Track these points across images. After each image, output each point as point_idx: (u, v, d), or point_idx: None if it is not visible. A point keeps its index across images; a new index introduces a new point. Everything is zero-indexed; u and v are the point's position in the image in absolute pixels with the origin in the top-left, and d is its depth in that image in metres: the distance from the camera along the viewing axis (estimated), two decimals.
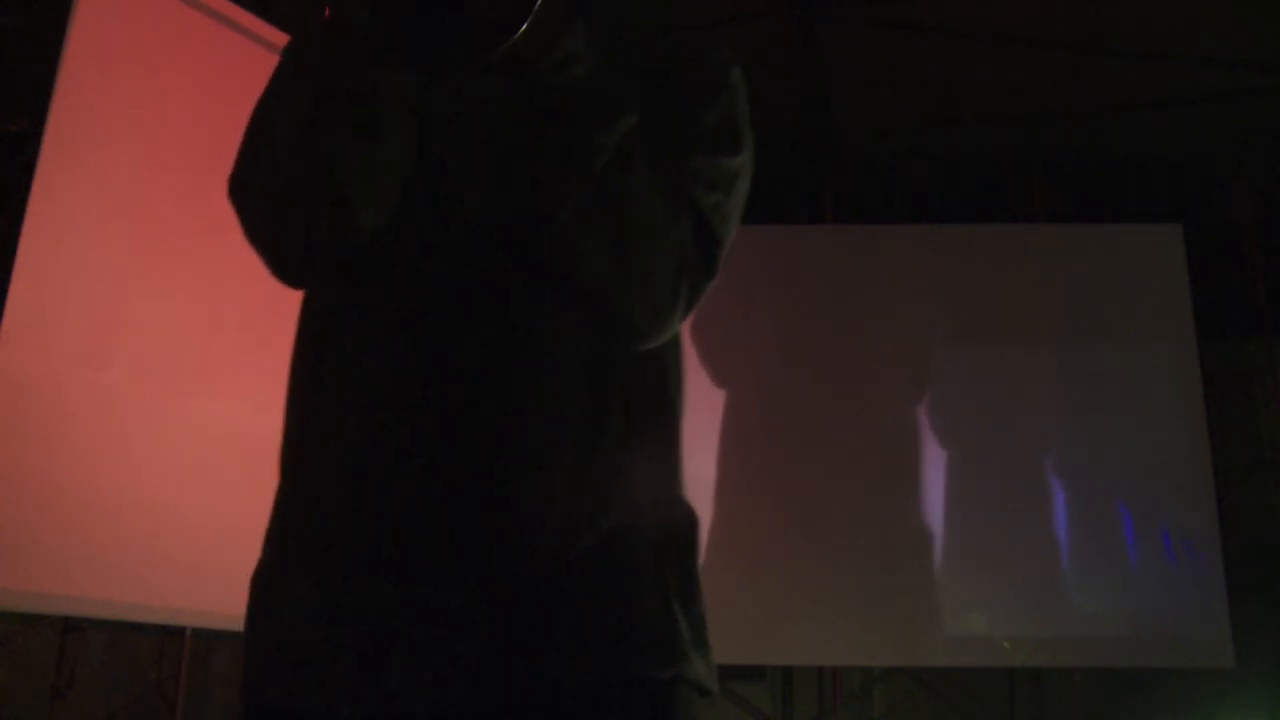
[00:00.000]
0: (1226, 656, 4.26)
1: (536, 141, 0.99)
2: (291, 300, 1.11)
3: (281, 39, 1.57)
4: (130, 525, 2.95)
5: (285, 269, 1.06)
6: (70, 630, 3.90)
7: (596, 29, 1.07)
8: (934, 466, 4.61)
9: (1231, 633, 4.27)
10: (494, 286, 1.01)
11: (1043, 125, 5.05)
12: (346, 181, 0.99)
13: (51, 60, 2.89)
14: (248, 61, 3.25)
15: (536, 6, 0.91)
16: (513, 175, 1.01)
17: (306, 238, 1.01)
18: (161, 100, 3.13)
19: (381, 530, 0.98)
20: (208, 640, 4.12)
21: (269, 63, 1.10)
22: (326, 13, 1.10)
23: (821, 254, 4.90)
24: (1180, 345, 4.62)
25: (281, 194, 1.01)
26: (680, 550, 1.06)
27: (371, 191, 1.00)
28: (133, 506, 2.96)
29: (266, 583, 1.05)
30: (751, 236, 4.96)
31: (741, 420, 4.65)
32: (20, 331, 2.80)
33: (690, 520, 1.09)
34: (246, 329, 3.18)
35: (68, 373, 2.90)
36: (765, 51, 4.61)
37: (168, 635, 3.83)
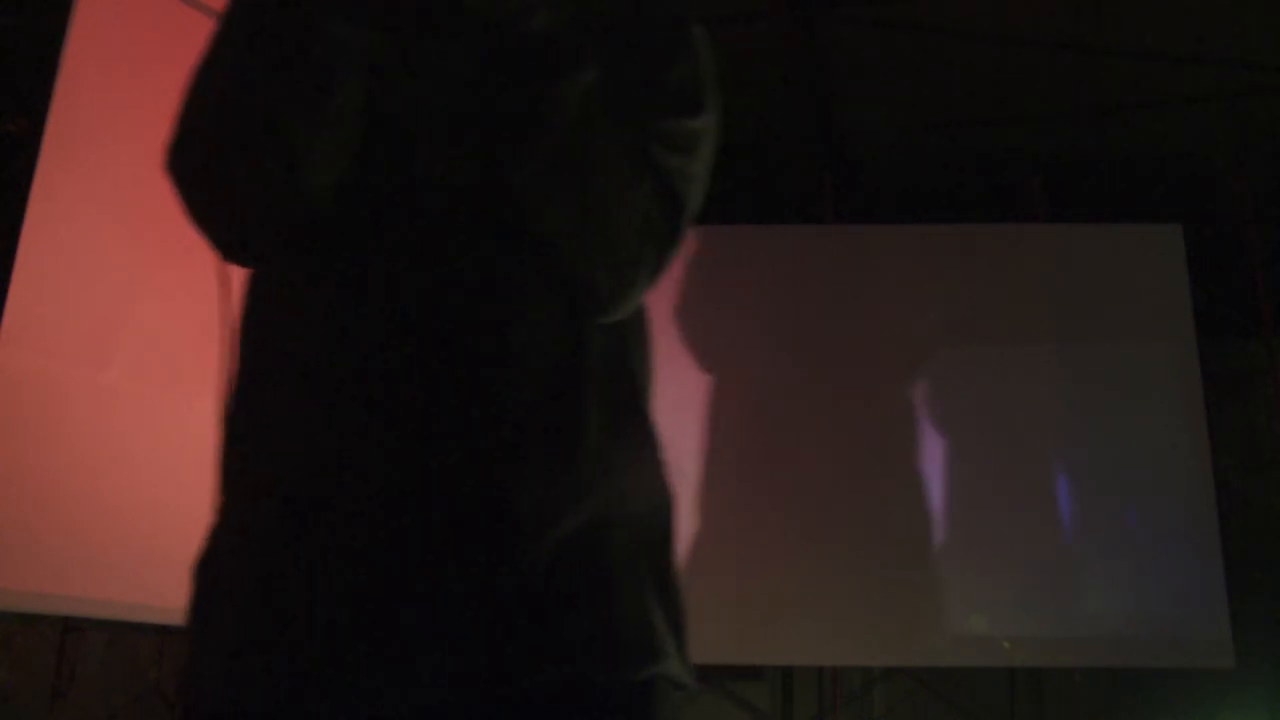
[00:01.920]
0: (1226, 656, 4.25)
1: (493, 96, 0.94)
2: None
3: None
4: (130, 525, 2.95)
5: (229, 243, 0.99)
6: (70, 630, 3.90)
7: None
8: (934, 467, 4.60)
9: (1231, 633, 4.26)
10: (455, 256, 0.95)
11: (1043, 125, 5.05)
12: (293, 142, 0.92)
13: (51, 60, 2.89)
14: None
15: None
16: (468, 133, 0.96)
17: (251, 207, 0.95)
18: (162, 100, 3.12)
19: (341, 522, 0.91)
20: None
21: None
22: None
23: (821, 254, 4.89)
24: (1180, 345, 4.62)
25: (224, 158, 0.94)
26: (658, 542, 1.02)
27: (320, 153, 0.93)
28: (133, 506, 2.95)
29: (215, 573, 0.97)
30: (752, 236, 4.99)
31: (741, 420, 4.65)
32: (20, 331, 2.79)
33: (667, 508, 1.05)
34: None
35: (68, 373, 2.90)
36: (765, 51, 4.61)
37: (168, 635, 3.84)
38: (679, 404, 4.66)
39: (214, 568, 0.98)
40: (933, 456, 4.62)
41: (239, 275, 1.05)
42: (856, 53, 4.68)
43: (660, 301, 4.79)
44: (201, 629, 0.96)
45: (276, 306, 0.99)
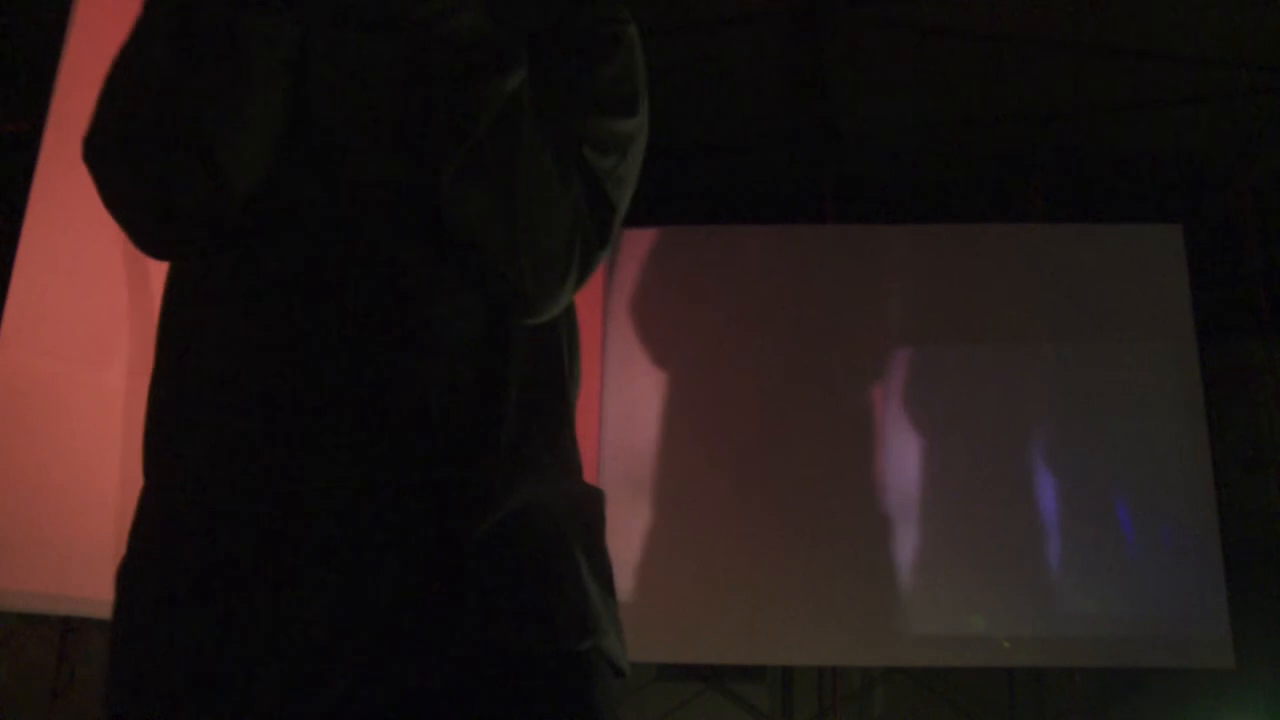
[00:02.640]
0: (1226, 656, 4.25)
1: (418, 95, 0.92)
2: None
3: None
4: (130, 525, 2.95)
5: (147, 238, 0.97)
6: (70, 630, 3.90)
7: None
8: (933, 466, 4.61)
9: (1231, 633, 4.27)
10: (376, 256, 0.94)
11: (1043, 125, 5.05)
12: (212, 137, 0.90)
13: (51, 60, 2.89)
14: None
15: None
16: (393, 132, 0.94)
17: (169, 202, 0.92)
18: None
19: (261, 512, 0.89)
20: None
21: None
22: None
23: (821, 254, 4.89)
24: (1180, 345, 4.62)
25: (140, 152, 0.92)
26: (588, 529, 1.02)
27: (240, 149, 0.91)
28: (133, 506, 2.95)
29: (135, 574, 0.96)
30: (752, 236, 4.99)
31: (740, 420, 4.65)
32: (20, 332, 2.79)
33: (596, 498, 1.05)
34: None
35: (68, 373, 2.90)
36: (765, 51, 4.61)
37: None
38: (678, 404, 4.66)
39: (131, 572, 0.97)
40: (934, 456, 4.62)
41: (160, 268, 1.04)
42: (856, 53, 4.68)
43: (660, 301, 4.80)
44: (120, 635, 0.94)
45: (194, 302, 0.98)
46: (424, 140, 0.92)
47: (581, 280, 0.99)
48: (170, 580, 0.92)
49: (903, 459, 4.62)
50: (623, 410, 4.64)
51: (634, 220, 3.81)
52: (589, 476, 1.07)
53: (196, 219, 0.93)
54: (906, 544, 4.50)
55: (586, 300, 3.04)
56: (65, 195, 2.91)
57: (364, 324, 0.92)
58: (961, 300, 4.77)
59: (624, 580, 4.26)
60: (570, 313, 1.07)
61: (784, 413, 4.65)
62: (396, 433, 0.91)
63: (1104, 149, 5.16)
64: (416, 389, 0.92)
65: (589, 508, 1.04)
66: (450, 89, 0.91)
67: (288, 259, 0.93)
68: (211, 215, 0.93)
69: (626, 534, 4.43)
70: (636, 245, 4.81)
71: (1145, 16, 4.35)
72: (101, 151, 0.95)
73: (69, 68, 2.92)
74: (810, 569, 4.43)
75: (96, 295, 2.99)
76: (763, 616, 4.38)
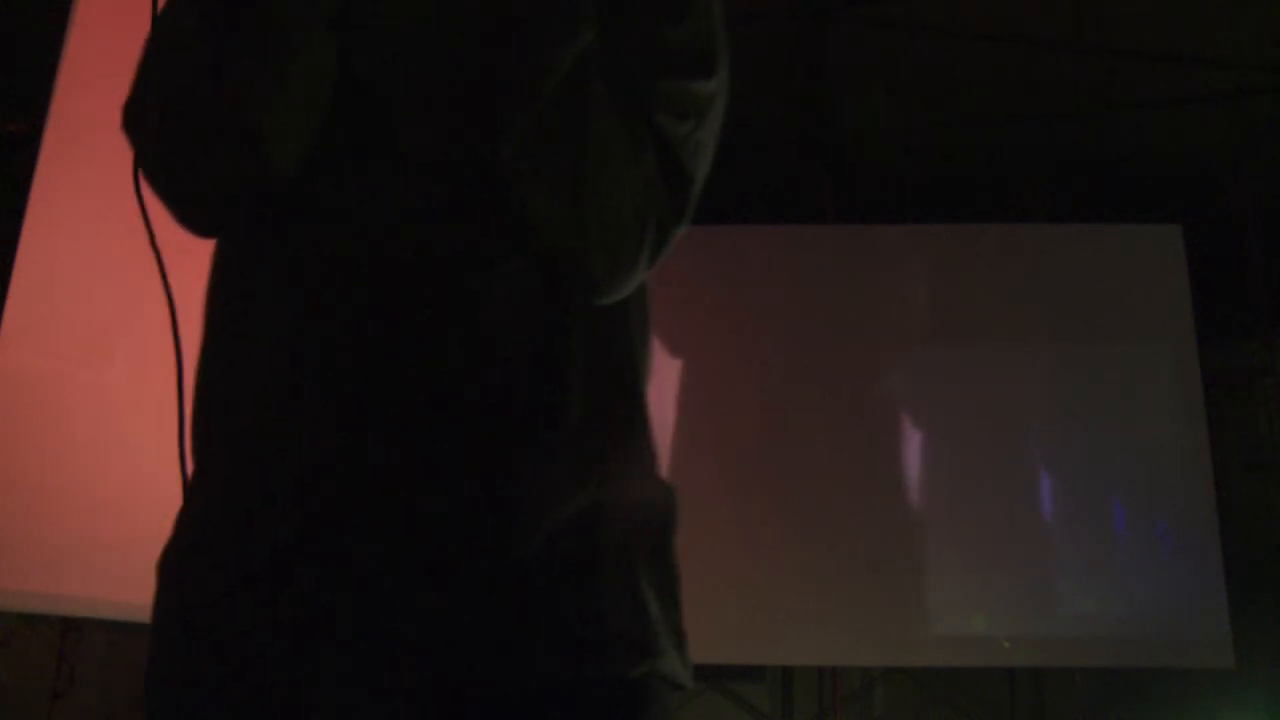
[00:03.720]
0: (1226, 656, 4.25)
1: (478, 57, 0.85)
2: None
3: None
4: (130, 525, 2.95)
5: (187, 213, 0.91)
6: (70, 630, 3.90)
7: None
8: (934, 466, 4.61)
9: (1231, 633, 4.27)
10: (430, 231, 0.86)
11: (1043, 125, 5.05)
12: (254, 111, 0.83)
13: (51, 60, 2.89)
14: None
15: None
16: (450, 98, 0.86)
17: (207, 177, 0.87)
18: None
19: (310, 512, 0.84)
20: None
21: None
22: None
23: (821, 254, 4.89)
24: (1180, 345, 4.62)
25: (178, 125, 0.86)
26: (654, 533, 0.93)
27: (283, 117, 0.85)
28: (133, 506, 2.95)
29: (181, 563, 0.91)
30: (751, 236, 4.99)
31: (740, 420, 4.65)
32: (20, 331, 2.80)
33: (666, 499, 0.96)
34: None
35: (68, 373, 2.90)
36: (765, 51, 4.61)
37: None
38: (678, 404, 4.66)
39: (176, 560, 0.92)
40: (933, 456, 4.62)
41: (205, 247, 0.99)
42: (856, 53, 4.68)
43: (659, 301, 4.79)
44: (160, 625, 0.89)
45: (239, 282, 0.93)
46: (484, 106, 0.85)
47: (655, 259, 0.92)
48: (217, 570, 0.87)
49: (902, 459, 4.62)
50: None
51: None
52: None
53: (238, 192, 0.88)
54: (906, 544, 4.49)
55: None
56: (65, 195, 2.91)
57: (417, 305, 0.85)
58: (961, 300, 4.77)
59: None
60: (641, 294, 0.98)
61: (784, 413, 4.65)
62: (450, 422, 0.84)
63: (1104, 149, 5.16)
64: (473, 375, 0.85)
65: (657, 510, 0.95)
66: (513, 50, 0.84)
67: (336, 234, 0.87)
68: (254, 188, 0.87)
69: None
70: None
71: (1145, 16, 4.35)
72: (139, 124, 0.90)
73: (69, 68, 2.92)
74: (810, 569, 4.42)
75: (96, 295, 2.99)
76: (763, 616, 4.38)
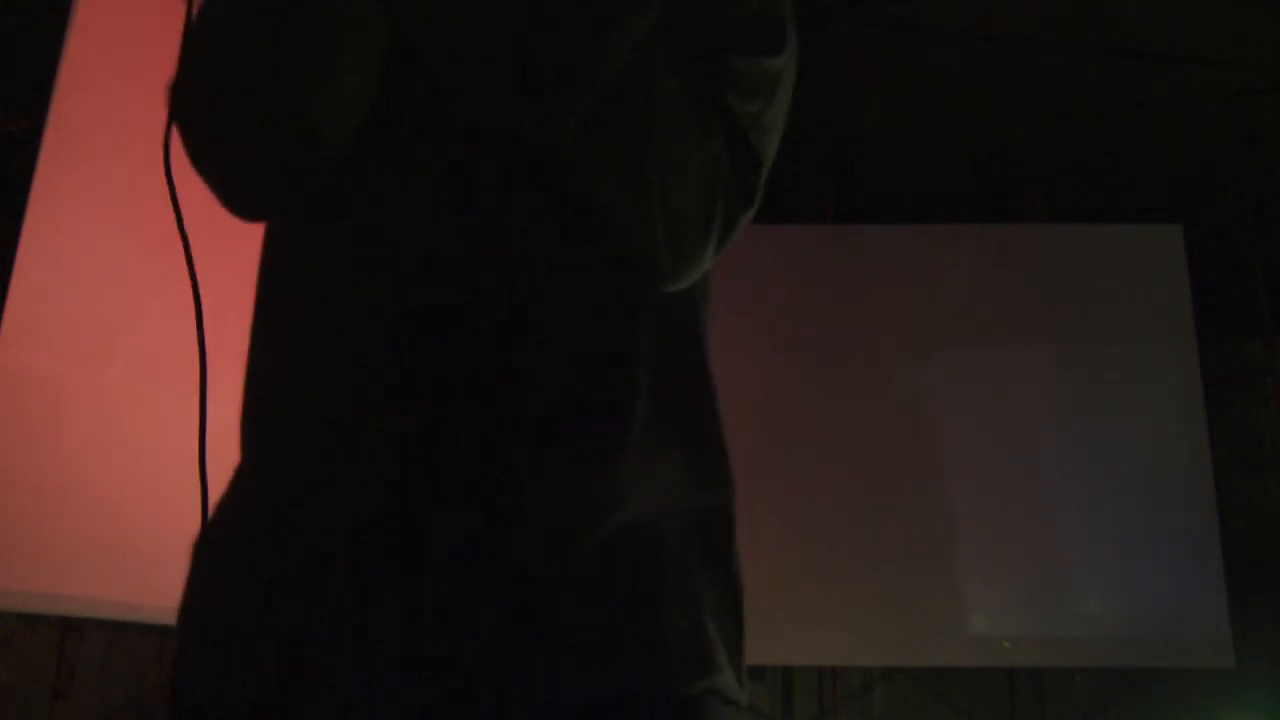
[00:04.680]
0: (1226, 656, 4.26)
1: (537, 36, 0.80)
2: None
3: None
4: (130, 525, 2.95)
5: (234, 197, 0.88)
6: (70, 630, 3.91)
7: None
8: (933, 466, 4.61)
9: (1231, 633, 4.27)
10: (486, 219, 0.83)
11: (1043, 125, 5.05)
12: (303, 88, 0.80)
13: (51, 60, 2.89)
14: None
15: None
16: (508, 79, 0.82)
17: (256, 159, 0.84)
18: (162, 100, 3.12)
19: (353, 507, 0.81)
20: None
21: None
22: None
23: (821, 254, 4.89)
24: (1180, 345, 4.63)
25: (225, 107, 0.83)
26: (716, 540, 0.90)
27: (332, 98, 0.82)
28: (133, 506, 2.95)
29: (218, 553, 0.87)
30: (751, 236, 4.99)
31: (740, 420, 4.63)
32: (20, 331, 2.80)
33: (727, 501, 0.94)
34: (247, 328, 3.18)
35: (68, 373, 2.90)
36: None
37: (168, 635, 3.83)
38: None
39: (213, 550, 0.88)
40: (932, 456, 4.62)
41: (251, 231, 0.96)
42: (856, 53, 4.68)
43: None
44: (192, 612, 0.86)
45: (291, 263, 0.90)
46: (544, 88, 0.80)
47: (723, 245, 0.87)
48: (256, 564, 0.83)
49: (902, 459, 4.62)
50: None
51: None
52: None
53: (287, 176, 0.85)
54: (907, 544, 4.50)
55: None
56: (65, 195, 2.91)
57: (471, 296, 0.82)
58: (961, 300, 4.77)
59: None
60: (706, 283, 0.94)
61: (783, 413, 4.65)
62: (506, 419, 0.81)
63: (1104, 149, 5.16)
64: (530, 371, 0.82)
65: (718, 515, 0.92)
66: (574, 28, 0.80)
67: (387, 222, 0.84)
68: (303, 171, 0.84)
69: None
70: None
71: (1145, 16, 4.35)
72: (185, 108, 0.87)
73: (69, 68, 2.92)
74: (810, 569, 4.43)
75: (96, 295, 2.99)
76: (763, 616, 4.36)
